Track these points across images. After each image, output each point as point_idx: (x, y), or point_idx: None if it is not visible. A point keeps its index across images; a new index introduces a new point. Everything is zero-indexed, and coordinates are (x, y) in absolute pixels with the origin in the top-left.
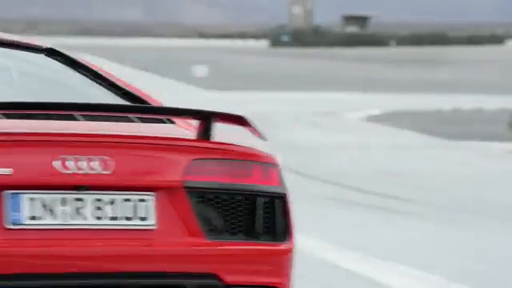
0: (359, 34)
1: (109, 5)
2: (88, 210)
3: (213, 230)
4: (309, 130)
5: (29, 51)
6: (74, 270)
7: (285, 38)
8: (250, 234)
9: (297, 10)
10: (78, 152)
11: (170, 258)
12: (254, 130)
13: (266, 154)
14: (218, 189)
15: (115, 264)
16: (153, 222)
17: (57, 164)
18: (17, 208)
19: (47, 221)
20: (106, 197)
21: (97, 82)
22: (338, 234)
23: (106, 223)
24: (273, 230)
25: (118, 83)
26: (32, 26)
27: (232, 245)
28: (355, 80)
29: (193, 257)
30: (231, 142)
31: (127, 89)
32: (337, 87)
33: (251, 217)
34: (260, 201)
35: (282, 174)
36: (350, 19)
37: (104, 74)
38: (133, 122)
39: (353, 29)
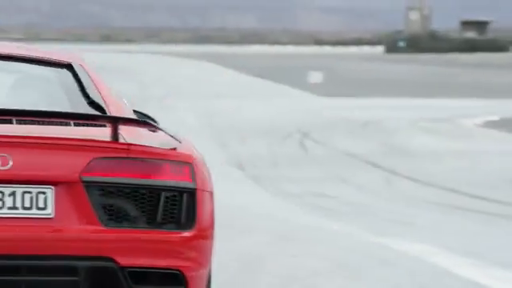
0: (477, 40)
1: (226, 13)
2: None
3: (111, 219)
4: (424, 136)
5: (50, 66)
6: None
7: (401, 44)
8: (152, 222)
9: (414, 15)
10: None
11: (65, 242)
12: (165, 133)
13: (179, 153)
14: (119, 184)
15: (14, 247)
16: (50, 212)
17: None
18: None
19: None
20: (7, 189)
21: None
22: (452, 241)
23: (5, 212)
24: (178, 220)
25: (104, 97)
26: (152, 34)
27: (130, 232)
28: (473, 86)
29: (88, 242)
30: (141, 143)
31: (100, 100)
32: (454, 93)
33: (154, 208)
34: (164, 194)
35: (200, 171)
36: (469, 24)
37: (101, 90)
38: (67, 125)
39: (471, 34)
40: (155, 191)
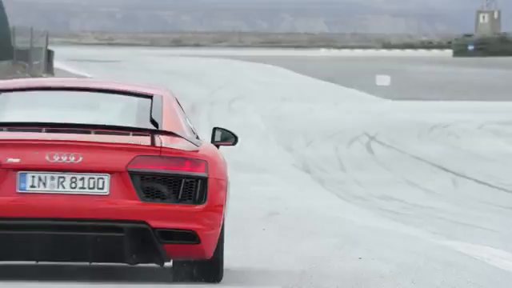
0: None
1: (295, 17)
2: (67, 182)
3: (147, 196)
4: (493, 139)
5: (136, 96)
6: (57, 215)
7: (470, 47)
8: (175, 198)
9: (483, 18)
10: (61, 149)
11: (115, 210)
12: (189, 141)
13: (197, 153)
14: (152, 173)
15: (83, 213)
16: (106, 191)
17: (48, 156)
18: (24, 181)
19: (41, 189)
20: (78, 175)
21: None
22: None
23: (77, 191)
24: (193, 197)
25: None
26: (221, 39)
27: (159, 205)
28: None
29: (130, 211)
30: (171, 147)
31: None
32: None
33: (177, 189)
34: (184, 180)
35: (213, 165)
36: None
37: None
38: (126, 135)
39: None
40: (178, 178)
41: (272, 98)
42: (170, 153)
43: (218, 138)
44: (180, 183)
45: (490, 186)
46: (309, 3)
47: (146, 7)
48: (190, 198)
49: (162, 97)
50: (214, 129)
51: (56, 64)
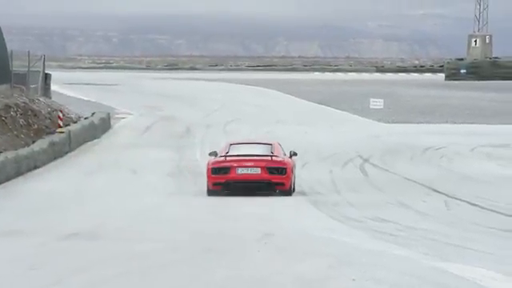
0: None
1: (290, 40)
2: (250, 171)
3: (271, 173)
4: (485, 161)
5: (267, 144)
6: (250, 179)
7: (462, 71)
8: (277, 173)
9: (475, 42)
10: (245, 162)
11: (265, 177)
12: (285, 153)
13: (284, 161)
14: (271, 167)
15: (255, 177)
16: (259, 172)
17: (242, 164)
18: (238, 171)
19: (243, 172)
20: (253, 169)
21: None
22: None
23: (251, 173)
24: (282, 172)
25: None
26: (217, 62)
27: (273, 176)
28: None
29: (265, 177)
30: (277, 157)
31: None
32: None
33: (279, 171)
34: (280, 168)
35: (290, 165)
36: None
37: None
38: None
39: None
40: (279, 168)
41: (267, 121)
42: (278, 161)
43: (290, 154)
44: (281, 169)
45: (481, 207)
46: (303, 27)
47: (142, 31)
48: (281, 173)
49: (274, 144)
50: (290, 151)
51: (53, 87)
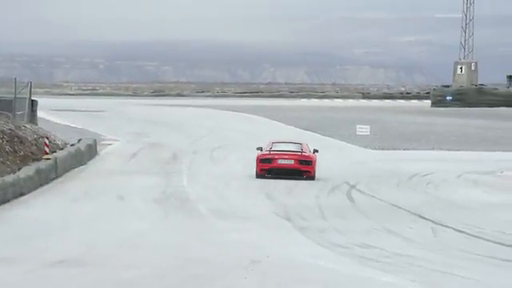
0: None
1: (276, 67)
2: (288, 162)
3: (301, 164)
4: (471, 188)
5: (298, 144)
6: (286, 167)
7: (448, 98)
8: (304, 164)
9: (461, 70)
10: (283, 155)
11: (296, 166)
12: (310, 150)
13: (311, 155)
14: (301, 159)
15: (290, 167)
16: (292, 163)
17: (282, 156)
18: (279, 161)
19: (282, 163)
20: (288, 161)
21: None
22: None
23: (287, 164)
24: (308, 164)
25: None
26: (204, 88)
27: (301, 166)
28: None
29: (295, 167)
30: (306, 152)
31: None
32: (500, 146)
33: (306, 163)
34: (306, 161)
35: (313, 158)
36: None
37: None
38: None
39: None
40: (306, 161)
41: (253, 147)
42: (305, 155)
43: (314, 151)
44: (307, 161)
45: (468, 234)
46: (289, 53)
47: (128, 58)
48: (307, 164)
49: (303, 143)
50: (314, 149)
51: (39, 114)
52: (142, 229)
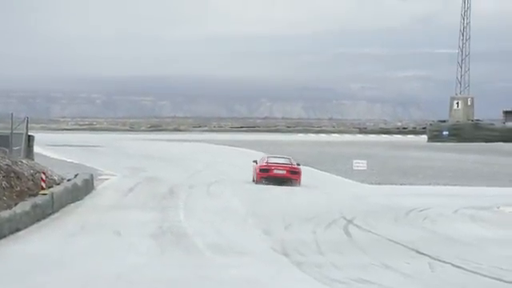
0: None
1: (273, 102)
2: (281, 172)
3: (290, 173)
4: (468, 223)
5: (291, 163)
6: (279, 176)
7: (445, 133)
8: (293, 174)
9: (457, 105)
10: (278, 167)
11: (291, 174)
12: (294, 163)
13: (297, 167)
14: (291, 169)
15: (284, 176)
16: (284, 173)
17: (275, 167)
18: (273, 171)
19: (277, 172)
20: (282, 171)
21: None
22: None
23: (281, 174)
24: (297, 174)
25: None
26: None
27: (291, 174)
28: None
29: (288, 176)
30: (293, 164)
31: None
32: (496, 181)
33: (294, 173)
34: (294, 171)
35: (300, 170)
36: (511, 114)
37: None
38: (288, 165)
39: None
40: (295, 172)
41: (251, 182)
42: (294, 167)
43: (297, 164)
44: (296, 171)
45: (465, 269)
46: (286, 89)
47: (125, 93)
48: (295, 174)
49: (290, 158)
50: (297, 163)
51: (36, 149)
52: (138, 264)
